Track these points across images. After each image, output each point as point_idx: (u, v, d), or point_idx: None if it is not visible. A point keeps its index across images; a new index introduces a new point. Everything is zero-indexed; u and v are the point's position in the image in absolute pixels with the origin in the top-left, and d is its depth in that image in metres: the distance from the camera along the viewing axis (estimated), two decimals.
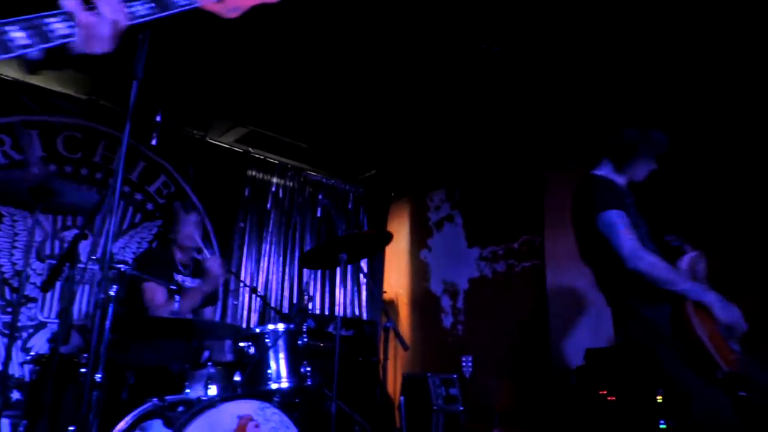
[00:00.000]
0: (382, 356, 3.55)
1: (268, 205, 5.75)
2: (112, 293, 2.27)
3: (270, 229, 5.71)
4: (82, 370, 2.55)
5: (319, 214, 6.05)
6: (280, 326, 2.96)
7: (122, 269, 2.52)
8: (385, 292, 6.43)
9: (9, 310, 3.96)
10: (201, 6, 1.28)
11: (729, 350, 2.20)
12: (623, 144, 2.58)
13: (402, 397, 4.45)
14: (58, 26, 1.08)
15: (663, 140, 2.58)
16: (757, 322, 2.30)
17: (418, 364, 5.81)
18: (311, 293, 5.80)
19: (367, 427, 3.75)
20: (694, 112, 4.11)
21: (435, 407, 4.22)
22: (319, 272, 5.95)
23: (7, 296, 4.04)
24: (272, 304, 5.50)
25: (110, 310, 2.22)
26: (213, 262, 3.49)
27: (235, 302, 5.24)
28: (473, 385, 4.48)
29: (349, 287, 6.17)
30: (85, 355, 2.54)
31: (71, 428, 2.12)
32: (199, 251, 3.65)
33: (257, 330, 3.01)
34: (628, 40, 3.68)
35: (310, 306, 5.51)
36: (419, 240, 6.41)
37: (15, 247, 4.15)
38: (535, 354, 4.80)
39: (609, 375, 3.45)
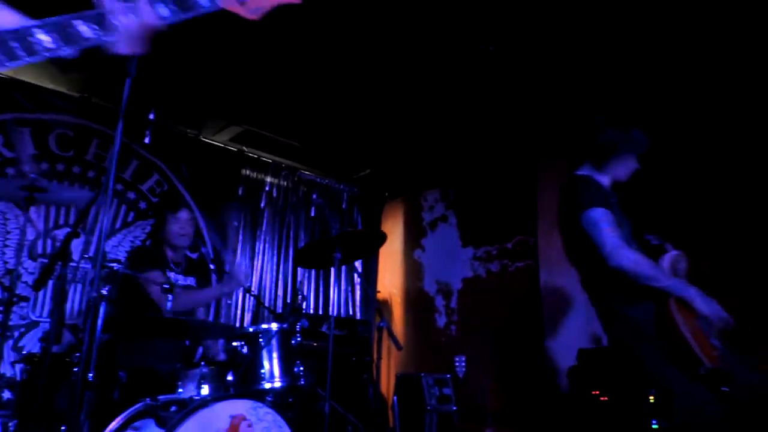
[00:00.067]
0: (375, 356, 3.55)
1: (262, 204, 5.74)
2: (104, 292, 2.26)
3: (264, 229, 5.70)
4: (74, 369, 2.54)
5: (312, 214, 6.03)
6: (274, 326, 2.95)
7: (115, 268, 2.51)
8: (379, 291, 6.43)
9: (0, 309, 3.93)
10: (223, 7, 1.29)
11: (711, 347, 2.23)
12: (604, 144, 2.60)
13: (395, 397, 4.45)
14: (83, 29, 1.08)
15: (643, 140, 2.61)
16: (739, 320, 2.32)
17: (411, 364, 5.81)
18: (305, 293, 5.80)
19: (360, 427, 3.75)
20: (679, 113, 4.15)
21: (428, 407, 4.22)
22: (313, 272, 5.94)
23: None
24: (266, 304, 5.48)
25: (102, 309, 2.21)
26: (240, 268, 3.45)
27: (229, 301, 5.22)
28: (466, 385, 4.48)
29: (342, 287, 6.17)
30: (76, 354, 2.53)
31: (62, 428, 2.11)
32: (196, 249, 3.62)
33: (250, 329, 3.00)
34: (616, 44, 3.71)
35: (303, 305, 5.49)
36: (413, 240, 6.41)
37: (6, 246, 4.12)
38: (528, 354, 4.81)
39: (601, 375, 3.46)
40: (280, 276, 5.73)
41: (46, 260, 4.22)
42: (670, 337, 2.20)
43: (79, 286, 4.32)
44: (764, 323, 3.46)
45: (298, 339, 3.04)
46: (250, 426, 2.40)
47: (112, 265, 2.53)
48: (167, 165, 5.06)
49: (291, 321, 3.19)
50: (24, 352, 3.97)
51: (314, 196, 6.02)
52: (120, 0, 1.15)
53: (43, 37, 1.05)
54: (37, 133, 4.38)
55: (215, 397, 2.47)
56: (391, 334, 3.23)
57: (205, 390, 2.55)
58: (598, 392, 3.40)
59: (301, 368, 2.90)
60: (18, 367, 2.92)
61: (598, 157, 2.63)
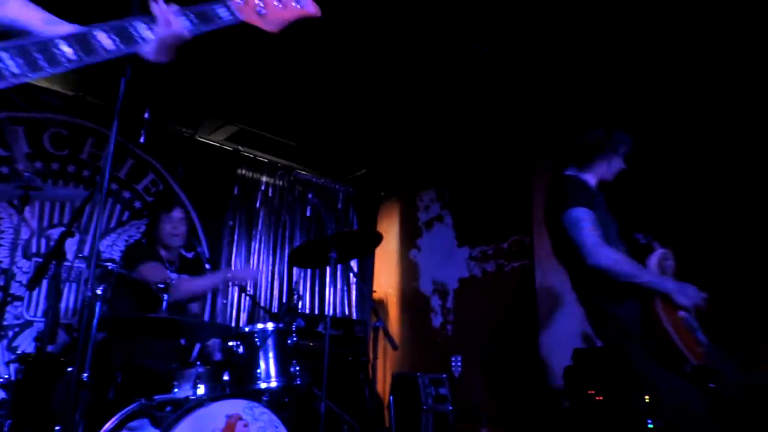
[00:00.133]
0: (371, 356, 3.55)
1: (258, 204, 5.73)
2: (99, 292, 2.25)
3: (259, 228, 5.69)
4: (69, 369, 2.53)
5: (308, 214, 6.03)
6: (270, 325, 2.94)
7: (109, 267, 2.50)
8: (375, 291, 6.43)
9: None
10: (243, 20, 1.32)
11: (696, 343, 2.25)
12: (588, 144, 2.65)
13: (391, 397, 4.45)
14: (105, 42, 1.10)
15: (627, 139, 2.66)
16: (725, 318, 2.34)
17: (407, 363, 5.81)
18: (301, 292, 5.79)
19: (356, 427, 3.75)
20: (670, 113, 4.17)
21: (424, 407, 4.22)
22: (308, 271, 5.94)
23: None
24: (261, 303, 5.48)
25: (97, 308, 2.20)
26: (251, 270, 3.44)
27: (224, 301, 5.21)
28: (462, 384, 4.49)
29: (338, 287, 6.16)
30: (71, 354, 2.52)
31: (57, 428, 2.11)
32: (191, 248, 3.61)
33: (246, 329, 2.99)
34: (608, 46, 3.73)
35: (299, 305, 5.49)
36: (409, 240, 6.41)
37: (0, 245, 4.10)
38: (524, 354, 4.81)
39: (597, 375, 3.47)
40: (276, 276, 5.72)
41: (40, 259, 4.20)
42: (655, 335, 2.22)
43: (74, 286, 4.30)
44: (761, 322, 3.48)
45: (294, 339, 3.03)
46: (246, 426, 2.40)
47: (106, 264, 2.52)
48: (162, 164, 5.05)
49: (287, 321, 3.19)
50: (18, 352, 3.95)
51: (310, 196, 6.01)
52: (159, 12, 1.18)
53: (66, 49, 1.06)
54: (32, 131, 4.35)
55: (211, 397, 2.47)
56: (387, 334, 3.23)
57: (200, 390, 2.54)
58: (593, 392, 3.40)
59: (297, 368, 2.89)
60: (12, 366, 2.91)
61: (583, 157, 2.66)
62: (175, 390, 2.55)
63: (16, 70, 1.04)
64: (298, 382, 2.88)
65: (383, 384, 5.62)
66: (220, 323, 4.73)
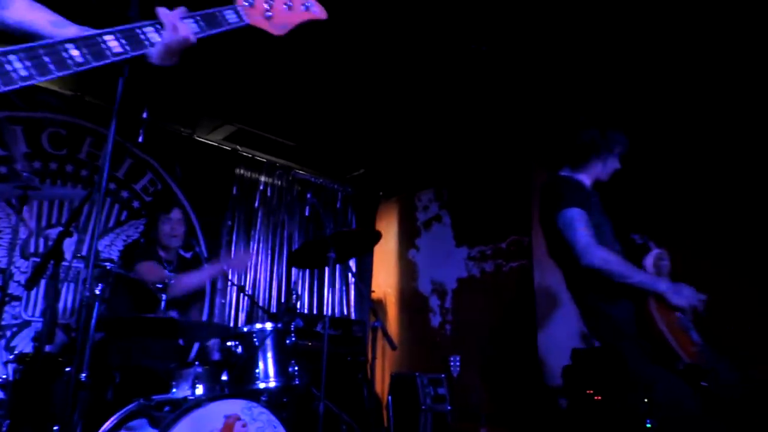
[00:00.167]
0: (370, 356, 3.55)
1: (256, 204, 5.73)
2: (97, 291, 2.25)
3: (258, 228, 5.69)
4: (67, 369, 2.53)
5: (307, 213, 6.03)
6: (268, 325, 2.95)
7: (108, 267, 2.50)
8: (374, 291, 6.43)
9: None
10: (250, 24, 1.32)
11: (690, 342, 2.26)
12: (583, 144, 2.64)
13: (390, 397, 4.45)
14: (113, 44, 1.10)
15: (622, 139, 2.65)
16: (725, 318, 2.35)
17: (406, 363, 5.81)
18: (299, 292, 5.79)
19: (354, 427, 3.75)
20: (668, 112, 4.18)
21: (423, 407, 4.22)
22: (307, 271, 5.94)
23: None
24: (260, 303, 5.47)
25: (95, 308, 2.20)
26: (242, 256, 3.43)
27: (223, 301, 5.21)
28: (461, 384, 4.49)
29: (337, 287, 6.16)
30: (69, 354, 2.52)
31: (55, 428, 2.10)
32: (190, 248, 3.61)
33: (245, 329, 3.00)
34: (607, 46, 3.73)
35: (298, 305, 5.49)
36: (407, 240, 6.41)
37: None
38: (522, 354, 4.82)
39: (596, 375, 3.47)
40: (275, 275, 5.71)
41: (38, 259, 4.20)
42: (649, 335, 2.23)
43: (72, 286, 4.30)
44: (761, 322, 3.49)
45: (293, 339, 3.04)
46: (244, 426, 2.40)
47: (105, 264, 2.52)
48: (161, 164, 5.04)
49: (285, 321, 3.19)
50: (16, 352, 3.95)
51: (308, 196, 6.00)
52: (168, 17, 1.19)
53: (74, 52, 1.06)
54: (30, 131, 4.34)
55: (209, 397, 2.47)
56: (385, 334, 3.23)
57: (199, 390, 2.54)
58: (592, 392, 3.41)
59: (296, 368, 2.90)
60: (11, 366, 2.90)
61: (578, 157, 2.66)
62: (174, 390, 2.55)
63: (24, 73, 1.04)
64: (297, 382, 2.88)
65: (382, 384, 5.62)
66: (218, 323, 4.73)
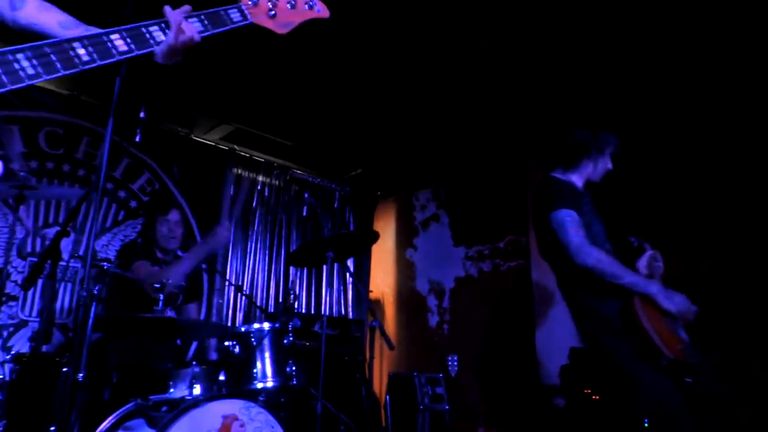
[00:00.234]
0: (368, 355, 3.54)
1: (254, 204, 5.72)
2: (94, 291, 2.24)
3: (255, 228, 5.68)
4: (64, 369, 2.52)
5: (305, 213, 6.03)
6: (266, 325, 2.94)
7: (105, 267, 2.49)
8: (372, 291, 6.43)
9: None
10: (254, 23, 1.33)
11: (676, 340, 2.29)
12: (574, 145, 2.67)
13: (388, 396, 4.45)
14: (119, 44, 1.11)
15: (613, 140, 2.68)
16: (725, 318, 2.36)
17: (404, 363, 5.81)
18: (297, 292, 5.78)
19: (352, 427, 3.74)
20: (664, 114, 4.19)
21: (421, 406, 4.22)
22: (305, 271, 5.93)
23: None
24: (258, 303, 5.46)
25: (93, 308, 2.19)
26: (222, 230, 3.40)
27: (220, 301, 5.20)
28: (458, 384, 4.49)
29: (335, 286, 6.16)
30: (67, 354, 2.51)
31: (52, 428, 2.10)
32: (187, 249, 3.60)
33: (242, 329, 2.99)
34: (604, 47, 3.73)
35: (295, 305, 5.49)
36: (405, 239, 6.41)
37: None
38: (520, 354, 4.82)
39: (593, 374, 3.48)
40: (272, 275, 5.71)
41: (35, 259, 4.19)
42: (634, 331, 2.25)
43: (69, 285, 4.29)
44: (761, 322, 3.50)
45: (291, 338, 3.03)
46: (242, 426, 2.39)
47: (102, 264, 2.51)
48: (158, 163, 5.03)
49: (283, 320, 3.18)
50: (13, 352, 3.93)
51: (306, 195, 6.00)
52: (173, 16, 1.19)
53: (80, 51, 1.06)
54: (27, 130, 4.33)
55: (207, 397, 2.46)
56: (383, 334, 3.23)
57: (196, 390, 2.54)
58: (589, 391, 3.42)
59: (294, 368, 2.89)
60: (7, 367, 2.89)
61: (570, 158, 2.68)
62: (171, 390, 2.55)
63: (31, 72, 1.04)
64: (295, 382, 2.87)
65: (380, 384, 5.62)
66: (216, 323, 4.72)
